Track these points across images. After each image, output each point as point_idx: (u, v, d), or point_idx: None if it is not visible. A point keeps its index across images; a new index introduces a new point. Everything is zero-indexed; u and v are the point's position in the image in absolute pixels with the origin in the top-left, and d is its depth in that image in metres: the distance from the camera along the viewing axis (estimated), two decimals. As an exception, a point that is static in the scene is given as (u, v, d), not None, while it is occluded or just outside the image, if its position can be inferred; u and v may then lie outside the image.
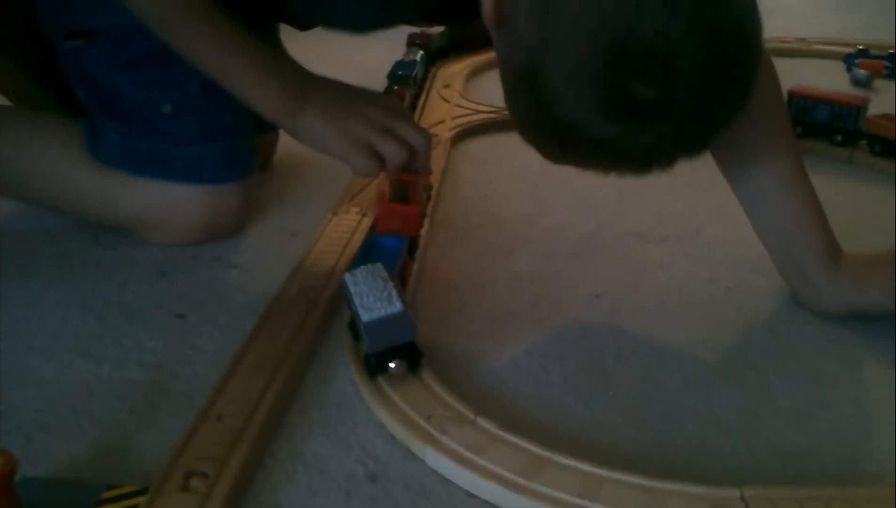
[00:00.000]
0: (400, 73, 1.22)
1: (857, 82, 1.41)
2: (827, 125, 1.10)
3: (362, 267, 0.66)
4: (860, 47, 1.53)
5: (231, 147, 0.86)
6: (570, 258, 0.85)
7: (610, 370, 0.68)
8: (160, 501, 0.51)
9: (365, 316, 0.61)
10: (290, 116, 0.74)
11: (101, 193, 0.85)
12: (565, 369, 0.68)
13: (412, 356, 0.63)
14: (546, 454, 0.55)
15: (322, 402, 0.63)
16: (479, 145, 1.16)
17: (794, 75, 1.22)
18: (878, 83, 1.43)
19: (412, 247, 0.78)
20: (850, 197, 0.99)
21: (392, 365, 0.62)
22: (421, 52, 1.35)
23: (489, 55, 1.49)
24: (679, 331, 0.73)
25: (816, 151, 1.12)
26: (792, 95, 1.12)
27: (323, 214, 0.91)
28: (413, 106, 1.22)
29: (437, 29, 1.50)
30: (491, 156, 1.12)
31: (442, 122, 1.19)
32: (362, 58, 1.58)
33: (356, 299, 0.63)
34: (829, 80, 1.33)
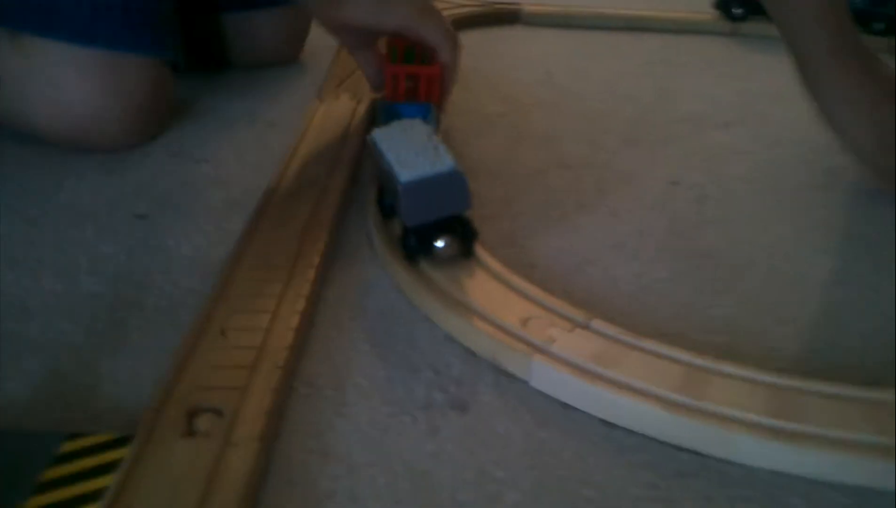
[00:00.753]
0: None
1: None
2: (866, 11, 0.97)
3: (396, 122, 0.49)
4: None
5: (142, 6, 0.64)
6: (623, 145, 0.69)
7: (722, 264, 0.52)
8: (155, 452, 0.33)
9: (404, 176, 0.44)
10: None
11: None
12: (668, 265, 0.52)
13: (466, 234, 0.46)
14: (705, 362, 0.39)
15: (360, 310, 0.46)
16: (469, 40, 0.98)
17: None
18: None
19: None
20: None
21: (440, 244, 0.45)
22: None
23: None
24: (784, 220, 0.58)
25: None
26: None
27: (303, 102, 0.72)
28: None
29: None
30: (486, 48, 0.95)
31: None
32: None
33: (390, 156, 0.45)
34: None
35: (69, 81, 0.62)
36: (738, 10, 1.01)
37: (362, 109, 0.70)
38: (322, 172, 0.59)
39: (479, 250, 0.47)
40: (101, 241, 0.51)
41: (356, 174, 0.61)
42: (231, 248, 0.48)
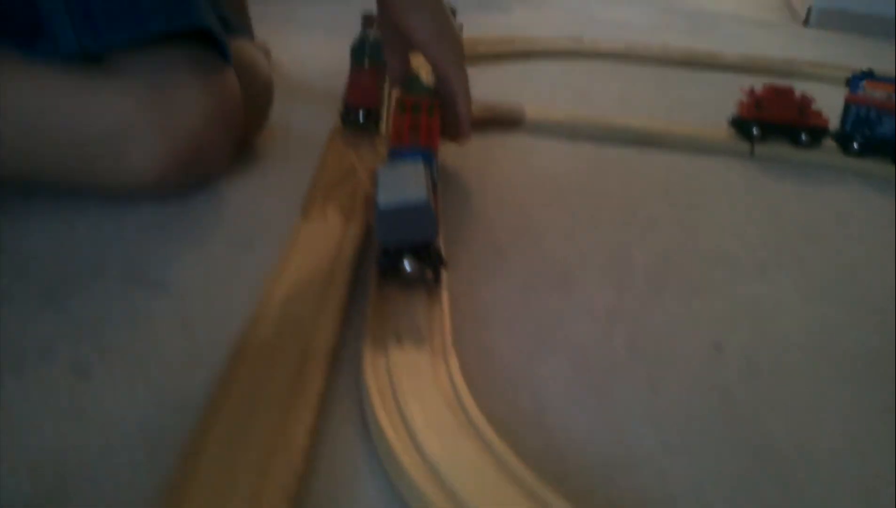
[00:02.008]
0: (365, 47, 0.95)
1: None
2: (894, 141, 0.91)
3: (399, 160, 0.59)
4: (864, 69, 1.36)
5: None
6: (652, 290, 0.60)
7: (785, 462, 0.43)
8: None
9: (382, 201, 0.51)
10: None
11: (73, 100, 0.60)
12: (727, 465, 0.42)
13: (433, 260, 0.53)
14: None
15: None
16: (469, 144, 0.90)
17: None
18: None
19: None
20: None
21: (408, 265, 0.52)
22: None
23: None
24: (851, 402, 0.49)
25: (876, 173, 0.92)
26: (849, 103, 0.92)
27: (285, 218, 0.63)
28: (381, 90, 0.96)
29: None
30: (489, 156, 0.86)
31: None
32: (298, 43, 1.31)
33: (380, 184, 0.53)
34: (833, 104, 1.13)
35: (181, 80, 0.63)
36: (756, 131, 0.94)
37: (354, 230, 0.61)
38: (307, 317, 0.49)
39: (498, 444, 0.38)
40: (31, 410, 0.41)
41: (348, 316, 0.51)
42: (192, 420, 0.38)
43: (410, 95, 0.71)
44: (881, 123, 0.92)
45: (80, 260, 0.56)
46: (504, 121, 0.96)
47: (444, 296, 0.52)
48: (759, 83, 0.95)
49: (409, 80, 0.75)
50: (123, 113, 0.61)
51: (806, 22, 2.32)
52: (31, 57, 0.61)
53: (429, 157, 0.62)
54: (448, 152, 0.81)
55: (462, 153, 0.84)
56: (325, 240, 0.59)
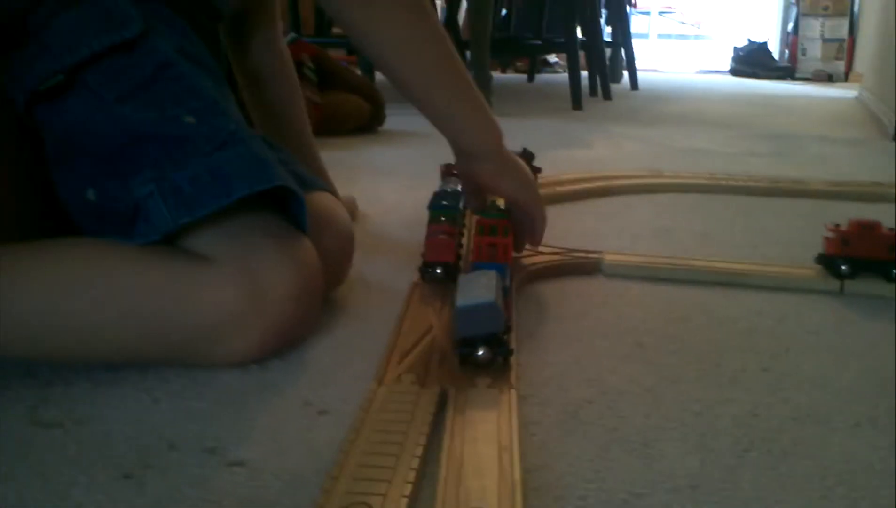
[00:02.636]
0: (445, 203, 0.97)
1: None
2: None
3: (479, 270, 0.72)
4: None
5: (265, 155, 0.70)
6: (739, 456, 0.57)
7: None
8: None
9: (459, 302, 0.64)
10: (500, 145, 0.83)
11: (172, 289, 0.64)
12: None
13: (500, 346, 0.64)
14: None
15: None
16: (547, 294, 0.90)
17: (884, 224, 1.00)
18: None
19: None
20: None
21: (480, 352, 0.64)
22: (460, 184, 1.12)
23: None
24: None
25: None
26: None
27: (359, 382, 0.63)
28: (459, 245, 0.97)
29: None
30: (564, 305, 0.86)
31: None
32: (381, 193, 1.36)
33: (459, 289, 0.67)
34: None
35: (267, 255, 0.67)
36: (845, 268, 0.91)
37: (428, 398, 0.60)
38: (375, 491, 0.48)
39: None
40: None
41: (417, 491, 0.50)
42: None
43: (487, 218, 0.82)
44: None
45: (159, 433, 0.57)
46: (579, 267, 0.96)
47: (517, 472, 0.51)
48: (847, 210, 0.92)
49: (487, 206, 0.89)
50: (225, 303, 0.64)
51: (895, 137, 2.27)
52: (130, 241, 0.65)
53: (502, 269, 0.76)
54: (524, 303, 0.81)
55: (538, 300, 0.84)
56: (397, 405, 0.59)
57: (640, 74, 3.76)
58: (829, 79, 4.81)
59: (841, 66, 4.90)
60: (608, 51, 3.62)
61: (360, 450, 0.53)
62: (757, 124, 2.57)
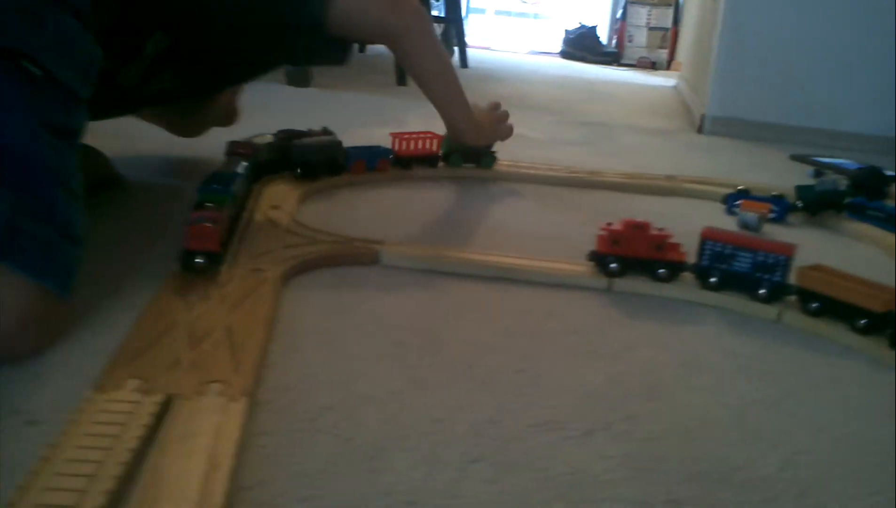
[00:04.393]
0: (215, 186, 0.92)
1: (746, 226, 1.24)
2: (749, 276, 0.91)
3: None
4: (740, 187, 1.39)
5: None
6: (460, 470, 0.56)
7: None
8: None
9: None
10: (472, 121, 1.35)
11: None
12: None
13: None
14: None
15: None
16: (319, 284, 0.87)
17: (668, 217, 1.04)
18: (767, 227, 1.27)
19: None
20: (783, 362, 0.78)
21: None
22: (244, 164, 1.07)
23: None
24: None
25: (734, 307, 0.91)
26: (705, 239, 0.92)
27: (84, 389, 0.58)
28: (231, 230, 0.92)
29: (265, 138, 1.22)
30: (337, 299, 0.83)
31: (269, 252, 0.89)
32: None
33: None
34: (709, 222, 1.13)
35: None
36: (614, 266, 0.93)
37: (147, 407, 0.56)
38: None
39: None
40: None
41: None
42: None
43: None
44: (736, 260, 0.91)
45: None
46: (357, 257, 0.94)
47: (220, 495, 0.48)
48: (643, 204, 0.94)
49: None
50: None
51: (700, 129, 2.39)
52: None
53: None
54: (291, 294, 0.78)
55: (308, 292, 0.81)
56: (111, 417, 0.55)
57: (471, 52, 3.77)
58: (652, 66, 5.01)
59: (664, 54, 5.11)
60: (439, 27, 3.61)
61: (52, 468, 0.49)
62: (577, 111, 2.63)
